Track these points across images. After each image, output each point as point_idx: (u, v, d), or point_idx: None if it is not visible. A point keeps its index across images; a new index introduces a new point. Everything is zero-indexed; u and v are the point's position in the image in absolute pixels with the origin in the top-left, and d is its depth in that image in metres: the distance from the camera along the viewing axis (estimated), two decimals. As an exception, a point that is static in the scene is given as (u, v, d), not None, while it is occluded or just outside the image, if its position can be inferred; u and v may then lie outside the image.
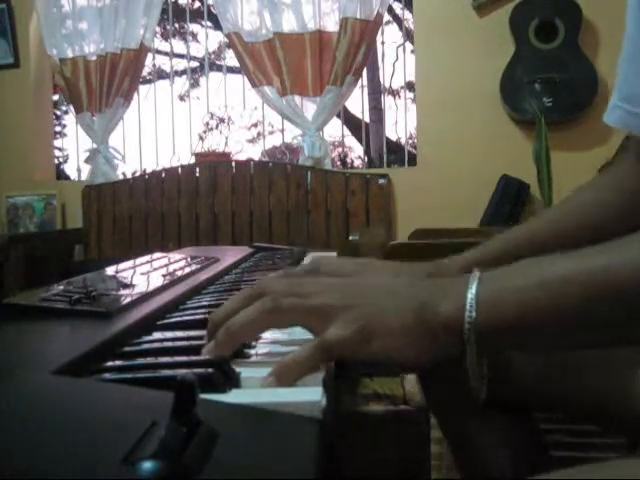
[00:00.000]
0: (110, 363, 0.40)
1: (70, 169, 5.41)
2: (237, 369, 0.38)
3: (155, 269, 0.78)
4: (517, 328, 0.41)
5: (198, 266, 0.80)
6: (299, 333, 0.45)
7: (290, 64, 2.81)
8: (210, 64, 4.07)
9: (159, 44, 4.89)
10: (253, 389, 0.36)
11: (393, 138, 5.84)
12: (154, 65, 3.76)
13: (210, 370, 0.36)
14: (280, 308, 0.42)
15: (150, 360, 0.41)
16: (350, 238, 1.46)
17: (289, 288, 0.45)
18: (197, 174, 2.87)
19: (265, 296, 0.43)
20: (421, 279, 0.55)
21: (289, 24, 2.85)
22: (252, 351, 0.43)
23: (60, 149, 5.48)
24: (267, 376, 0.38)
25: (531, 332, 0.42)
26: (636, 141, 0.68)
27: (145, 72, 3.72)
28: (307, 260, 0.95)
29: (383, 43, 3.41)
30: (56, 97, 3.46)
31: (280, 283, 0.46)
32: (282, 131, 3.28)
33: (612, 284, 0.38)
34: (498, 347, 0.44)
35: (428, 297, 0.43)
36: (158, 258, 0.89)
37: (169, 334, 0.49)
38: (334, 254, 1.13)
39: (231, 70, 3.85)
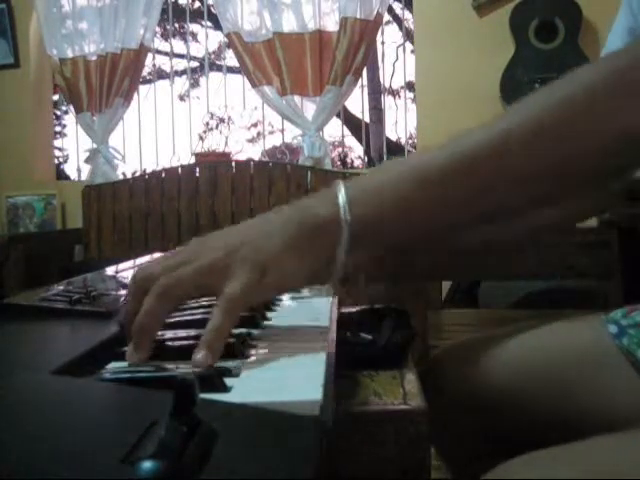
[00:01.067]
0: (110, 363, 0.40)
1: (70, 169, 5.41)
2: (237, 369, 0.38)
3: (155, 269, 0.77)
4: (388, 220, 0.44)
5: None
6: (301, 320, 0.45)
7: (290, 64, 2.81)
8: (210, 64, 4.07)
9: (159, 44, 4.89)
10: (253, 389, 0.36)
11: (393, 138, 5.84)
12: (154, 65, 3.76)
13: (210, 370, 0.36)
14: (171, 284, 0.42)
15: (150, 360, 0.41)
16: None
17: (169, 263, 0.44)
18: (197, 174, 2.87)
19: (151, 284, 0.42)
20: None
21: (289, 24, 2.85)
22: (252, 351, 0.43)
23: (60, 149, 5.48)
24: (196, 352, 0.38)
25: (401, 222, 0.45)
26: None
27: (145, 72, 3.71)
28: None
29: (383, 43, 3.41)
30: (56, 97, 3.46)
31: (158, 265, 0.44)
32: (282, 131, 3.28)
33: (463, 170, 0.43)
34: (376, 241, 0.46)
35: (305, 209, 0.46)
36: (158, 258, 0.89)
37: (169, 333, 0.48)
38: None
39: (231, 70, 3.85)
